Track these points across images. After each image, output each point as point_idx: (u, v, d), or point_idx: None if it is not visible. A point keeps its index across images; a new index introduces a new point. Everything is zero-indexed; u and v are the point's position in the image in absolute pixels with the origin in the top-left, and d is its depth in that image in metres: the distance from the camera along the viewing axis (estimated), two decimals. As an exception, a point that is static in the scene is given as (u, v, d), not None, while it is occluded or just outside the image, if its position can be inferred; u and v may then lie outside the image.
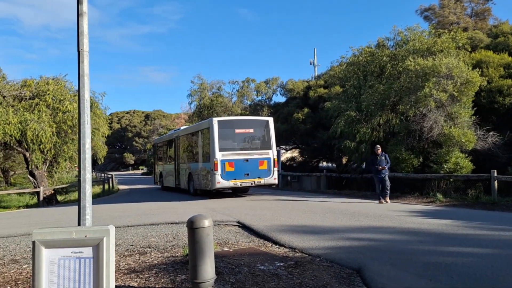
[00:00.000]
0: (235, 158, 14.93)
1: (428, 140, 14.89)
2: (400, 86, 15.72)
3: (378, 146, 13.17)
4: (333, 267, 5.32)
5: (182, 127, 21.32)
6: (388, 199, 12.68)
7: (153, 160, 27.99)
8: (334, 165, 26.77)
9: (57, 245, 2.28)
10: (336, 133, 17.30)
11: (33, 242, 2.27)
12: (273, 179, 15.41)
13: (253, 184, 15.32)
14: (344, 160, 24.75)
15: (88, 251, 2.27)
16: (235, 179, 14.86)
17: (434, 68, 14.27)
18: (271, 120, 15.95)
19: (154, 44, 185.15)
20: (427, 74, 14.49)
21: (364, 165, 19.34)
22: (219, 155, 14.67)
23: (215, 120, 15.08)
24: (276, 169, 15.55)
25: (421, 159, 15.07)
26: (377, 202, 12.64)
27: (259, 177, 15.15)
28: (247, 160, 15.07)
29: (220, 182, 14.65)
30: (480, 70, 15.63)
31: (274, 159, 15.46)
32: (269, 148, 15.47)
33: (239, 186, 15.22)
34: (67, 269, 2.25)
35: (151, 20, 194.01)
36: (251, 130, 15.65)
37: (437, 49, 15.77)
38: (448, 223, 8.27)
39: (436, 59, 14.68)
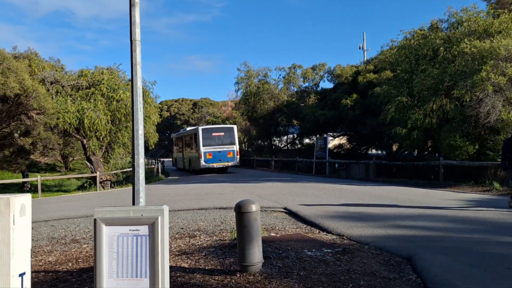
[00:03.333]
0: (212, 150, 24.20)
1: (485, 126, 14.16)
2: (455, 70, 15.03)
3: None
4: (382, 255, 5.26)
5: (188, 128, 31.85)
6: None
7: (171, 149, 39.21)
8: (384, 152, 26.12)
9: (116, 223, 2.45)
10: (386, 119, 16.86)
11: (95, 220, 2.45)
12: (237, 162, 24.91)
13: (224, 166, 24.78)
14: (394, 148, 24.11)
15: (144, 229, 2.43)
16: (212, 163, 24.19)
17: (492, 51, 13.49)
18: (235, 127, 25.94)
19: (199, 33, 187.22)
20: (484, 57, 13.72)
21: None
22: (202, 149, 24.16)
23: (200, 128, 25.22)
24: (238, 156, 24.93)
25: (476, 146, 14.41)
26: (508, 207, 8.33)
27: (228, 162, 24.54)
28: (219, 151, 24.28)
29: (203, 165, 24.16)
30: (544, 51, 14.60)
31: (236, 150, 24.72)
32: (234, 144, 24.75)
33: (216, 167, 24.48)
34: (125, 245, 2.43)
35: (196, 9, 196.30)
36: (222, 133, 25.06)
37: (495, 30, 14.88)
38: (505, 212, 7.89)
39: (494, 40, 13.87)
